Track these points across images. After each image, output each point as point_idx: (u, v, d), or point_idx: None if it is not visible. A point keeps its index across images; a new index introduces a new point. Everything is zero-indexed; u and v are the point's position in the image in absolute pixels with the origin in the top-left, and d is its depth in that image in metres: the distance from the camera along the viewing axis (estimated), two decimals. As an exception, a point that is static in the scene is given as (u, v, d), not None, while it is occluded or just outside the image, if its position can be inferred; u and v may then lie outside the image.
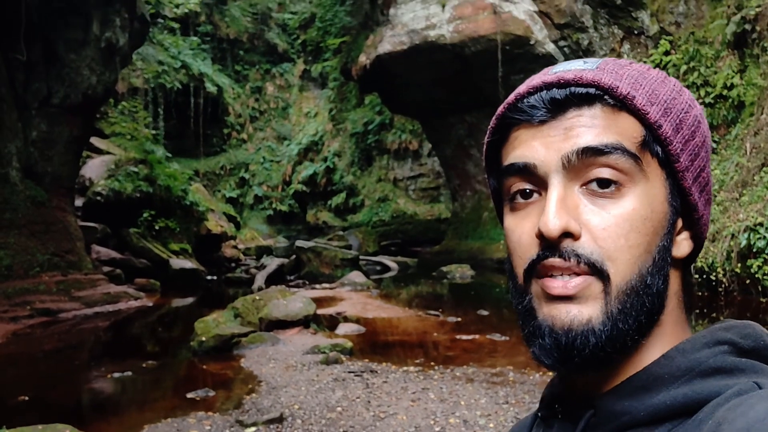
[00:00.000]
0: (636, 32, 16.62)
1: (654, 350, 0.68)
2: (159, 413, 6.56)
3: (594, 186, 0.66)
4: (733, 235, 10.78)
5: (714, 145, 13.01)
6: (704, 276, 10.94)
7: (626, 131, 0.67)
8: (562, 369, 0.67)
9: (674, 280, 0.71)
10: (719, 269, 10.78)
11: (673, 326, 0.70)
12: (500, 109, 0.74)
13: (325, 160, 36.20)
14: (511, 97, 0.73)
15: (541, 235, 0.66)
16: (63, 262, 14.22)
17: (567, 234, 0.65)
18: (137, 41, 17.57)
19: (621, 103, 0.67)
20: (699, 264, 10.99)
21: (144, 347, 10.94)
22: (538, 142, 0.69)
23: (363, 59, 21.83)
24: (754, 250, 10.34)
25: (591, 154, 0.66)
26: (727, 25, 13.60)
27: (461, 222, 24.66)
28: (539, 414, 0.78)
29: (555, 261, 0.65)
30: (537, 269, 0.67)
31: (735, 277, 10.67)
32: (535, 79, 0.71)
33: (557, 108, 0.68)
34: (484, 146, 0.78)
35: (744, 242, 10.47)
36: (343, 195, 34.28)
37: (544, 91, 0.69)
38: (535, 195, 0.70)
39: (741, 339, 0.65)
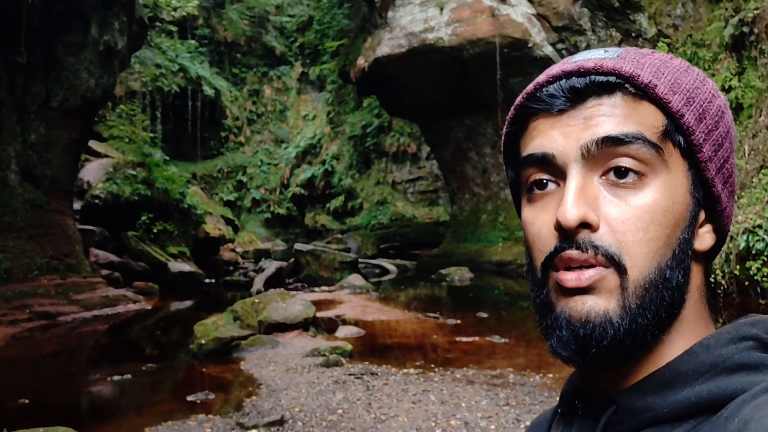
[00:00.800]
0: (634, 35, 16.65)
1: (676, 346, 0.66)
2: (159, 416, 6.55)
3: (614, 176, 0.65)
4: (732, 237, 10.79)
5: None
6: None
7: (647, 120, 0.66)
8: (579, 361, 0.65)
9: (696, 274, 0.69)
10: (718, 271, 10.79)
11: (696, 321, 0.69)
12: (519, 98, 0.73)
13: (323, 163, 36.20)
14: (530, 86, 0.71)
15: (559, 226, 0.64)
16: (62, 266, 14.20)
17: (585, 225, 0.64)
18: (135, 44, 17.58)
19: (642, 92, 0.66)
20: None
21: (143, 350, 10.92)
22: (557, 132, 0.67)
23: (361, 62, 21.85)
24: (753, 252, 10.35)
25: (611, 143, 0.65)
26: (724, 27, 13.62)
27: (460, 225, 24.66)
28: (559, 410, 0.77)
29: (572, 253, 0.64)
30: (554, 262, 0.66)
31: (734, 279, 10.67)
32: (555, 68, 0.70)
33: (577, 97, 0.67)
34: (503, 137, 0.77)
35: (743, 244, 10.47)
36: (341, 198, 34.27)
37: (564, 80, 0.68)
38: (554, 186, 0.69)
39: (767, 334, 0.63)
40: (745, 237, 10.49)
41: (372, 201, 32.46)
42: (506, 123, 0.75)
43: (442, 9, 19.70)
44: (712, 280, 10.84)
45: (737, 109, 12.93)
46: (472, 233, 23.61)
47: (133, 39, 16.83)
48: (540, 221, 0.68)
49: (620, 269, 0.63)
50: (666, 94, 0.66)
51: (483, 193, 23.76)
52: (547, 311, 0.67)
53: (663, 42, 15.23)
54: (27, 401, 7.31)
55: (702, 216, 0.70)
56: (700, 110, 0.68)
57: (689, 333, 0.68)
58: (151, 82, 31.25)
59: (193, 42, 35.48)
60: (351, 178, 34.28)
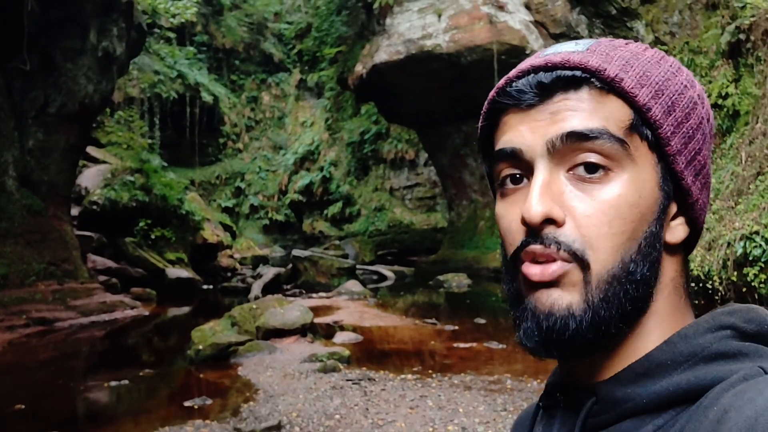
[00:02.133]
0: (631, 42, 16.67)
1: (651, 336, 0.67)
2: (156, 422, 6.54)
3: (580, 171, 0.65)
4: (729, 243, 10.80)
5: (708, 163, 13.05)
6: (700, 284, 10.95)
7: (613, 115, 0.66)
8: (543, 352, 0.66)
9: (669, 266, 0.69)
10: (715, 278, 10.80)
11: (671, 313, 0.69)
12: (491, 93, 0.73)
13: (321, 169, 36.22)
14: (502, 81, 0.72)
15: (524, 222, 0.65)
16: (59, 271, 14.17)
17: (550, 220, 0.64)
18: (134, 51, 17.60)
19: (609, 86, 0.66)
20: (695, 272, 11.00)
21: (140, 356, 10.89)
22: (525, 127, 0.68)
23: (359, 69, 21.89)
24: (750, 258, 10.35)
25: (576, 138, 0.65)
26: (721, 34, 13.66)
27: (457, 231, 24.67)
28: (540, 403, 0.78)
29: (536, 248, 0.65)
30: (521, 256, 0.67)
31: (731, 285, 10.68)
32: (525, 63, 0.71)
33: (544, 92, 0.67)
34: (478, 131, 0.77)
35: (740, 251, 10.48)
36: (339, 204, 34.29)
37: (532, 75, 0.68)
38: (525, 180, 0.69)
39: (744, 323, 0.64)
40: (742, 243, 10.50)
41: (370, 207, 32.48)
42: (481, 117, 0.76)
43: (440, 16, 19.77)
44: (709, 287, 10.85)
45: (734, 116, 12.96)
46: (470, 239, 23.62)
47: (132, 45, 16.84)
48: (510, 215, 0.69)
49: (583, 264, 0.64)
50: (633, 87, 0.66)
51: (481, 200, 23.79)
52: (517, 303, 0.69)
53: (660, 49, 15.26)
54: (23, 407, 7.28)
55: (673, 209, 0.70)
56: (669, 102, 0.67)
57: (665, 324, 0.68)
58: (149, 88, 31.28)
59: (191, 48, 35.52)
60: (349, 185, 34.31)
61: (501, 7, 18.70)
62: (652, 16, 16.08)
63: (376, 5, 20.89)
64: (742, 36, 13.06)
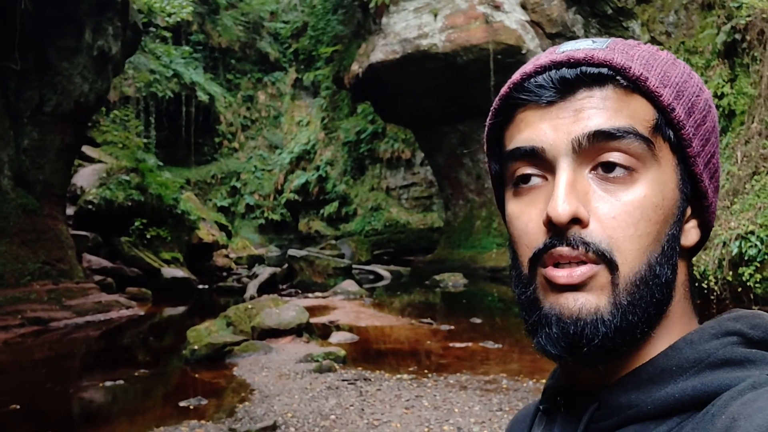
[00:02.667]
0: (627, 42, 16.69)
1: (661, 342, 0.66)
2: (151, 422, 6.52)
3: (604, 171, 0.64)
4: (724, 243, 10.82)
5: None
6: (696, 284, 10.96)
7: (638, 114, 0.65)
8: (569, 359, 0.64)
9: (681, 269, 0.69)
10: (711, 277, 10.81)
11: (680, 317, 0.68)
12: (504, 89, 0.71)
13: (317, 169, 36.19)
14: (517, 76, 0.70)
15: (549, 222, 0.63)
16: (54, 271, 14.14)
17: (576, 221, 0.62)
18: (129, 50, 17.55)
19: (633, 85, 0.65)
20: (691, 272, 11.01)
21: (136, 356, 10.87)
22: (546, 125, 0.66)
23: (355, 68, 21.89)
24: (746, 258, 10.38)
25: (602, 138, 0.63)
26: (717, 34, 13.69)
27: (454, 231, 24.68)
28: (541, 406, 0.77)
29: (563, 250, 0.63)
30: (543, 258, 0.65)
31: (727, 285, 10.70)
32: (543, 58, 0.69)
33: (567, 88, 0.66)
34: (486, 128, 0.75)
35: (735, 250, 10.51)
36: (335, 204, 34.26)
37: (553, 71, 0.66)
38: (541, 180, 0.67)
39: (750, 329, 0.63)
40: (737, 243, 10.52)
41: (366, 207, 32.46)
42: (490, 114, 0.73)
43: (436, 15, 19.76)
44: (705, 287, 10.87)
45: (729, 115, 12.99)
46: (466, 239, 23.63)
47: (127, 44, 16.80)
48: (527, 216, 0.67)
49: (611, 266, 0.63)
50: (657, 87, 0.65)
51: (477, 200, 23.80)
52: (534, 308, 0.66)
53: (656, 49, 15.28)
54: (18, 407, 7.26)
55: (688, 211, 0.69)
56: (689, 104, 0.67)
57: (674, 329, 0.67)
58: (145, 87, 31.22)
59: (187, 48, 35.46)
60: (345, 184, 34.29)
61: (497, 7, 18.71)
62: (648, 16, 16.10)
63: (372, 4, 20.88)
64: (737, 36, 13.08)
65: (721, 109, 13.14)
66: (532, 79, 0.68)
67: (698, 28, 14.91)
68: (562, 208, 0.62)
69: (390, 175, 32.42)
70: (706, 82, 13.63)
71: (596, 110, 0.65)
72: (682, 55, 14.63)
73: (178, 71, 33.45)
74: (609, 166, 0.64)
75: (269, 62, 42.10)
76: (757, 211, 10.73)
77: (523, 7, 18.45)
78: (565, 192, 0.63)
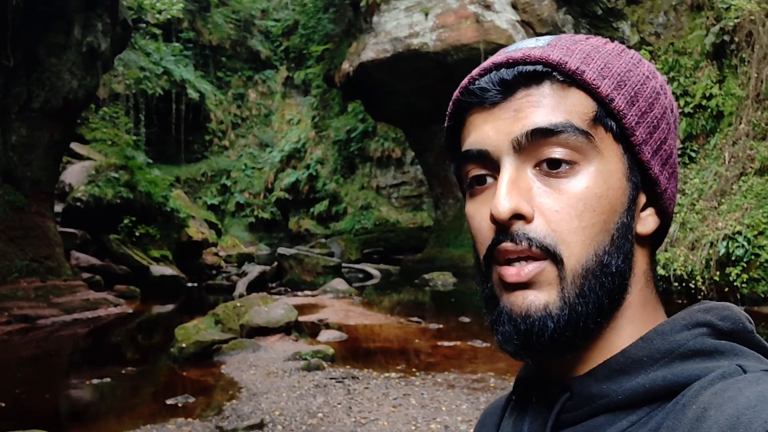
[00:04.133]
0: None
1: (624, 331, 0.67)
2: (138, 419, 6.51)
3: (546, 166, 0.65)
4: (712, 243, 10.88)
5: (693, 154, 13.14)
6: (683, 284, 11.03)
7: (577, 108, 0.66)
8: (524, 356, 0.66)
9: (641, 258, 0.69)
10: (698, 277, 10.88)
11: (643, 306, 0.69)
12: (456, 92, 0.72)
13: (307, 167, 36.14)
14: (465, 80, 0.71)
15: (493, 219, 0.64)
16: (42, 268, 14.06)
17: (519, 217, 0.64)
18: (119, 46, 17.47)
19: (570, 79, 0.66)
20: (678, 272, 11.08)
21: (123, 354, 10.83)
22: (489, 126, 0.67)
23: (346, 66, 21.87)
24: (733, 258, 10.44)
25: (540, 135, 0.65)
26: (706, 36, 13.76)
27: (443, 230, 24.71)
28: (513, 397, 0.77)
29: (507, 245, 0.64)
30: (494, 255, 0.66)
31: (714, 285, 10.76)
32: (487, 61, 0.70)
33: (507, 89, 0.67)
34: (445, 132, 0.77)
35: (723, 251, 10.57)
36: (325, 203, 34.23)
37: (494, 72, 0.68)
38: (491, 180, 0.69)
39: (720, 321, 0.64)
40: (725, 243, 10.59)
41: (356, 206, 32.45)
42: (446, 118, 0.75)
43: (427, 14, 19.77)
44: (692, 286, 10.93)
45: (718, 117, 13.06)
46: (456, 238, 23.66)
47: (117, 41, 16.72)
48: (480, 215, 0.69)
49: (556, 260, 0.64)
50: (594, 79, 0.66)
51: (467, 199, 23.82)
52: (492, 305, 0.68)
53: (645, 49, 15.37)
54: (4, 405, 7.23)
55: (643, 199, 0.70)
56: (632, 93, 0.67)
57: (637, 318, 0.68)
58: (134, 84, 31.08)
59: (177, 45, 35.32)
60: (335, 183, 34.27)
61: (488, 7, 18.73)
62: (637, 17, 16.17)
63: (363, 3, 20.87)
64: (726, 37, 13.16)
65: (709, 110, 13.21)
66: (476, 82, 0.69)
67: (687, 29, 14.99)
68: (502, 205, 0.63)
69: (380, 174, 32.42)
70: (694, 83, 13.71)
71: (534, 108, 0.66)
72: (671, 56, 14.70)
73: (169, 69, 33.32)
74: (550, 162, 0.65)
75: (260, 60, 42.02)
76: (744, 212, 10.80)
77: (514, 6, 18.48)
78: (506, 189, 0.64)
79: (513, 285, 0.65)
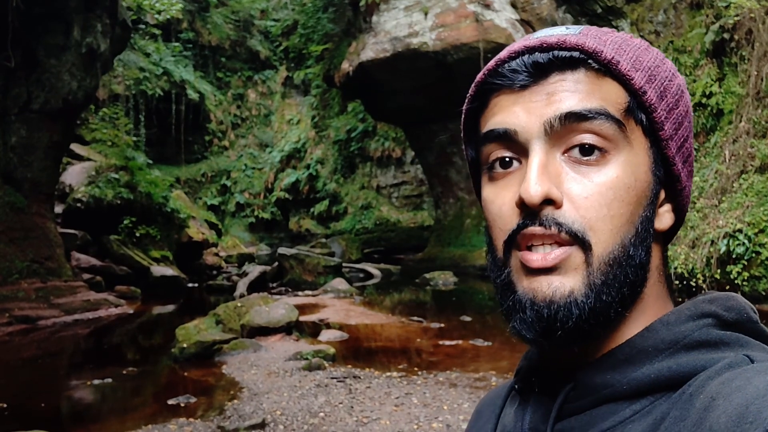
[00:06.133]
0: (616, 41, 16.75)
1: (636, 324, 0.66)
2: (139, 420, 6.50)
3: (577, 153, 0.65)
4: (712, 241, 10.88)
5: (693, 152, 13.14)
6: (684, 282, 11.03)
7: (610, 97, 0.65)
8: (545, 343, 0.64)
9: (656, 253, 0.69)
10: (699, 275, 10.87)
11: (655, 300, 0.69)
12: (480, 75, 0.72)
13: (307, 167, 36.13)
14: (491, 62, 0.71)
15: (522, 203, 0.64)
16: (42, 269, 14.05)
17: (548, 202, 0.63)
18: (118, 47, 17.46)
19: (605, 68, 0.66)
20: (679, 270, 11.07)
21: (124, 354, 10.83)
22: (519, 108, 0.67)
23: (346, 66, 21.87)
24: (734, 256, 10.44)
25: (574, 119, 0.64)
26: (705, 34, 13.75)
27: (444, 229, 24.71)
28: (516, 386, 0.77)
29: (535, 229, 0.63)
30: (516, 240, 0.65)
31: (715, 282, 10.76)
32: (517, 44, 0.70)
33: (539, 72, 0.67)
34: (462, 114, 0.76)
35: (723, 248, 10.56)
36: (325, 202, 34.22)
37: (526, 55, 0.67)
38: (515, 164, 0.68)
39: (725, 311, 0.64)
40: (725, 241, 10.58)
41: (356, 205, 32.45)
42: (467, 100, 0.74)
43: (426, 14, 19.77)
44: (693, 284, 10.93)
45: (718, 115, 13.05)
46: (456, 237, 23.67)
47: (116, 41, 16.71)
48: (501, 199, 0.68)
49: (585, 246, 0.63)
50: (629, 70, 0.66)
51: (467, 198, 23.83)
52: (509, 292, 0.67)
53: (645, 48, 15.35)
54: (5, 405, 7.22)
55: (662, 195, 0.70)
56: (662, 88, 0.67)
57: (649, 311, 0.68)
58: (134, 85, 31.06)
59: (177, 44, 35.31)
60: (335, 183, 34.26)
61: (487, 6, 18.73)
62: (637, 15, 16.16)
63: (362, 3, 20.87)
64: (726, 35, 13.15)
65: (709, 108, 13.20)
66: (506, 65, 0.69)
67: (687, 27, 14.98)
68: (534, 189, 0.62)
69: (380, 174, 32.41)
70: (694, 81, 13.70)
71: (568, 93, 0.65)
72: (671, 54, 14.69)
73: (168, 69, 33.30)
74: (581, 149, 0.65)
75: (260, 60, 42.00)
76: (745, 210, 10.80)
77: (513, 5, 18.48)
78: (538, 173, 0.63)
79: (536, 270, 0.64)
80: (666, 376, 0.61)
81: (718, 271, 10.69)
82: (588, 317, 0.62)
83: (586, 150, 0.64)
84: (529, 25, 18.14)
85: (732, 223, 10.73)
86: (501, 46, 18.37)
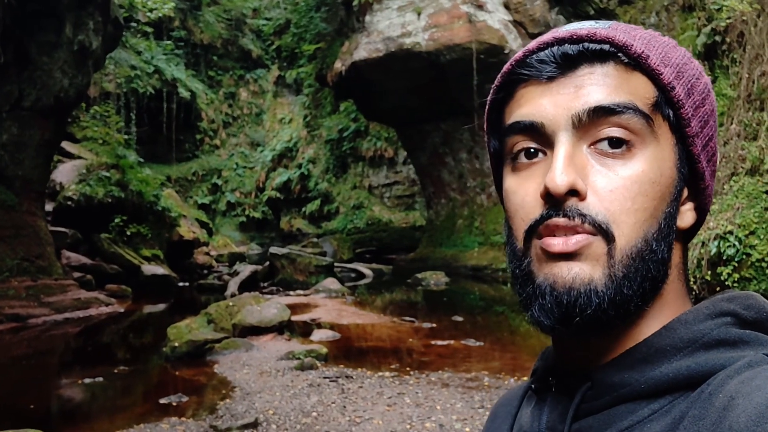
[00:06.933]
0: (609, 42, 16.82)
1: (655, 322, 0.66)
2: (131, 419, 6.48)
3: (603, 146, 0.65)
4: (703, 243, 10.92)
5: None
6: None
7: (638, 91, 0.65)
8: (562, 330, 0.64)
9: (676, 251, 0.69)
10: (690, 277, 10.90)
11: (674, 298, 0.68)
12: (507, 65, 0.71)
13: (299, 166, 36.08)
14: (519, 53, 0.70)
15: (546, 194, 0.63)
16: (33, 267, 13.98)
17: (573, 193, 0.63)
18: (110, 45, 17.38)
19: (635, 62, 0.66)
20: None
21: (115, 353, 10.79)
22: (546, 100, 0.66)
23: (338, 66, 21.86)
24: (725, 257, 10.47)
25: (602, 113, 0.64)
26: (697, 36, 13.81)
27: (436, 229, 24.73)
28: (532, 386, 0.76)
29: (559, 220, 0.63)
30: (539, 230, 0.65)
31: (705, 284, 10.80)
32: (546, 36, 0.69)
33: (568, 64, 0.66)
34: (487, 105, 0.75)
35: (714, 250, 10.60)
36: (317, 202, 34.18)
37: (556, 47, 0.67)
38: (540, 155, 0.67)
39: (744, 310, 0.63)
40: (716, 243, 10.62)
41: (348, 205, 32.42)
42: (492, 90, 0.74)
43: (419, 14, 19.79)
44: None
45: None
46: (448, 238, 23.69)
47: (108, 39, 16.64)
48: (524, 190, 0.67)
49: (608, 237, 0.63)
50: (658, 65, 0.66)
51: (459, 198, 23.86)
52: (528, 281, 0.66)
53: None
54: (-5, 404, 7.19)
55: (685, 193, 0.70)
56: (689, 85, 0.68)
57: (667, 309, 0.67)
58: (125, 83, 30.93)
59: (168, 43, 35.18)
60: (327, 182, 34.22)
61: (480, 6, 18.76)
62: (629, 17, 16.23)
63: (355, 2, 20.87)
64: (717, 38, 13.20)
65: (701, 110, 13.24)
66: (534, 55, 0.68)
67: (679, 29, 15.04)
68: (560, 179, 0.62)
69: (372, 174, 32.40)
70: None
71: (597, 86, 0.65)
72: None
73: (160, 67, 33.19)
74: (608, 141, 0.65)
75: (251, 59, 41.93)
76: (736, 212, 10.84)
77: (506, 6, 18.52)
78: (564, 164, 0.63)
79: (557, 255, 0.63)
80: (685, 375, 0.61)
81: (709, 272, 10.73)
82: (607, 307, 0.62)
83: (613, 143, 0.64)
84: (521, 27, 18.18)
85: (723, 225, 10.77)
86: (494, 47, 18.43)
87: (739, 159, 11.62)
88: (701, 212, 0.72)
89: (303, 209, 35.12)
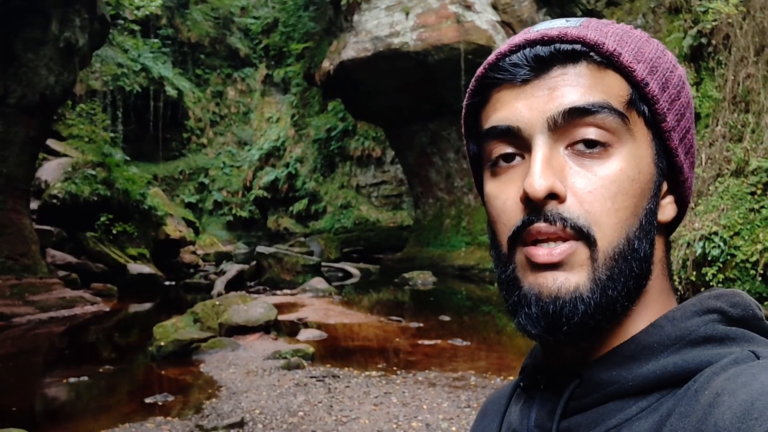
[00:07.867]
0: (596, 44, 16.88)
1: (641, 319, 0.66)
2: (116, 418, 6.45)
3: (580, 147, 0.64)
4: (689, 243, 10.99)
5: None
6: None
7: (612, 89, 0.65)
8: (549, 339, 0.64)
9: (659, 246, 0.69)
10: (675, 277, 10.98)
11: (659, 294, 0.69)
12: (480, 69, 0.71)
13: (287, 165, 36.00)
14: (492, 56, 0.70)
15: (526, 198, 0.63)
16: (17, 266, 13.87)
17: (553, 196, 0.63)
18: (97, 42, 17.27)
19: (607, 60, 0.66)
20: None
21: (101, 352, 10.73)
22: (521, 103, 0.66)
23: (326, 65, 21.84)
24: (709, 258, 10.55)
25: (577, 114, 0.64)
26: (683, 38, 13.90)
27: (423, 229, 24.74)
28: (521, 384, 0.76)
29: (540, 226, 0.63)
30: (522, 236, 0.65)
31: (690, 284, 10.86)
32: (517, 38, 0.69)
33: (541, 66, 0.66)
34: (463, 109, 0.75)
35: (699, 251, 10.67)
36: (305, 201, 34.12)
37: (527, 49, 0.67)
38: (518, 159, 0.67)
39: (730, 308, 0.64)
40: (701, 244, 10.69)
41: (336, 205, 32.39)
42: (467, 95, 0.73)
43: (407, 14, 19.79)
44: (670, 286, 11.02)
45: (695, 118, 13.19)
46: (436, 238, 23.71)
47: (95, 37, 16.53)
48: (505, 195, 0.67)
49: (590, 241, 0.63)
50: (630, 62, 0.66)
51: (447, 198, 23.89)
52: (514, 287, 0.66)
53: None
54: (-21, 404, 7.13)
55: (664, 187, 0.70)
56: (663, 80, 0.68)
57: (653, 305, 0.67)
58: (112, 81, 30.75)
59: (156, 41, 35.00)
60: (315, 182, 34.17)
61: (468, 7, 18.79)
62: (616, 19, 16.25)
63: (344, 2, 20.85)
64: (703, 40, 13.30)
65: (686, 112, 13.32)
66: (506, 59, 0.68)
67: (665, 31, 15.13)
68: (538, 183, 0.62)
69: (360, 173, 32.38)
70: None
71: (570, 87, 0.65)
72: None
73: (147, 65, 33.02)
74: (585, 142, 0.64)
75: (239, 58, 41.80)
76: (720, 213, 10.92)
77: (494, 7, 18.57)
78: (542, 168, 0.63)
79: (542, 266, 0.63)
80: (671, 372, 0.61)
81: (694, 273, 10.80)
82: (594, 312, 0.62)
83: (589, 144, 0.64)
84: (509, 27, 18.23)
85: (708, 226, 10.84)
86: (481, 48, 18.46)
87: (724, 160, 11.70)
88: (682, 204, 0.72)
89: (290, 208, 35.05)
